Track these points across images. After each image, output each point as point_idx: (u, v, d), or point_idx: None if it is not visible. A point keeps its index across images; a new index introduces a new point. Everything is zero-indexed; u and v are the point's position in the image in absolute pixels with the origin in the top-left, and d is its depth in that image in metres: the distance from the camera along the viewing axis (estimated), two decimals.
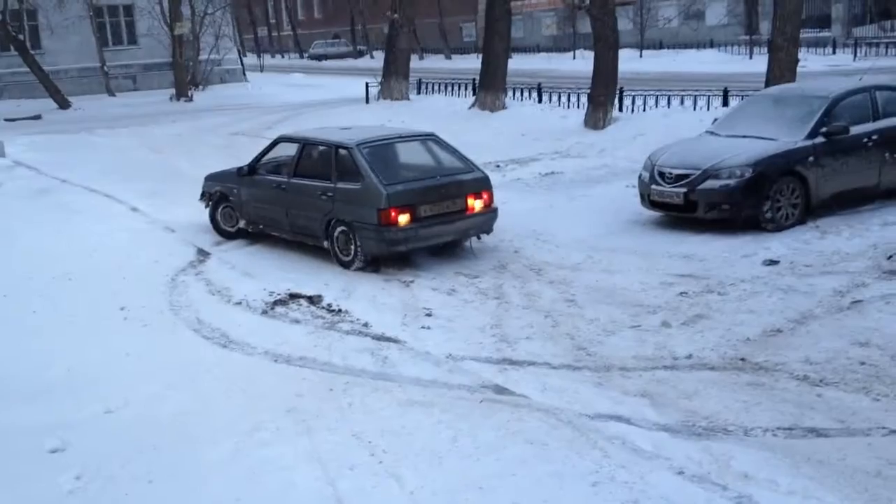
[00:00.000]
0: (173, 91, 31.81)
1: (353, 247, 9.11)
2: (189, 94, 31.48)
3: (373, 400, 5.90)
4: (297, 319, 7.74)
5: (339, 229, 9.20)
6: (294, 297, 8.32)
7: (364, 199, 8.88)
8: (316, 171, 9.61)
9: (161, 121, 24.67)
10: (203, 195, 11.27)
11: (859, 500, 4.48)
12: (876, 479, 4.67)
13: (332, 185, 9.24)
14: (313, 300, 8.22)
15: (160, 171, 16.47)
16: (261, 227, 10.39)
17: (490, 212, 9.53)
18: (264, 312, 7.96)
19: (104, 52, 33.79)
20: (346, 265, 9.23)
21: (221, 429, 5.54)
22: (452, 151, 9.79)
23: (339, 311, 7.92)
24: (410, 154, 9.74)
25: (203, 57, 33.53)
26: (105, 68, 33.52)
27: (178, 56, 31.54)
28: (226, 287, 8.73)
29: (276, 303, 8.17)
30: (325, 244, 9.40)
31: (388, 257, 9.17)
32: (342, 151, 9.29)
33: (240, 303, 8.24)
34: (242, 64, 39.12)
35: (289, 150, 10.24)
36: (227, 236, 10.80)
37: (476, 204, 9.32)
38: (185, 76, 32.05)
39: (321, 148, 9.76)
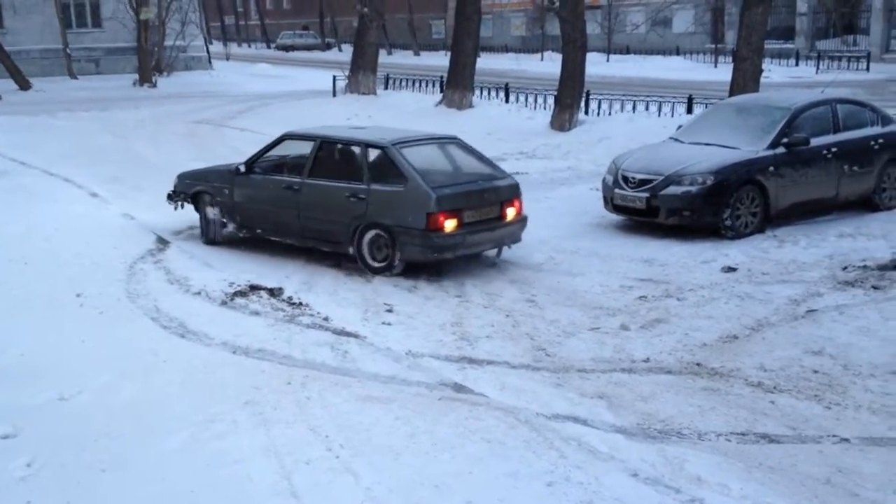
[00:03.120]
0: (137, 76, 31.38)
1: (389, 252, 8.59)
2: (153, 80, 31.09)
3: (331, 394, 5.88)
4: (256, 311, 7.69)
5: (373, 234, 8.63)
6: (254, 288, 8.26)
7: (408, 203, 8.36)
8: (340, 171, 9.00)
9: (124, 106, 24.34)
10: (175, 195, 10.34)
11: None
12: (826, 487, 4.76)
13: (364, 186, 8.64)
14: (274, 292, 8.16)
15: (121, 157, 16.28)
16: (258, 231, 9.63)
17: (522, 220, 9.14)
18: (224, 303, 7.90)
19: (67, 34, 33.19)
20: (375, 271, 8.68)
21: (177, 419, 5.48)
22: (479, 156, 9.32)
23: (300, 304, 7.88)
24: (441, 157, 9.19)
25: (168, 43, 33.11)
26: (68, 50, 32.97)
27: (143, 41, 31.12)
28: (185, 276, 8.64)
29: (235, 294, 8.10)
30: (350, 250, 8.80)
31: (432, 265, 8.74)
32: (375, 151, 8.76)
33: (199, 293, 8.16)
34: (208, 52, 38.71)
35: (295, 148, 9.67)
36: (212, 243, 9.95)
37: (510, 212, 8.94)
38: (150, 62, 31.65)
39: (347, 147, 9.18)
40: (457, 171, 9.08)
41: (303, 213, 9.05)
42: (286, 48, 63.69)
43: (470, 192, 8.66)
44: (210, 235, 9.94)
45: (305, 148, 9.41)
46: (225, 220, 9.79)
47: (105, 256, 9.25)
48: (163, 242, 9.98)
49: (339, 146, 9.29)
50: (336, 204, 8.78)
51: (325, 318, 7.49)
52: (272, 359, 6.56)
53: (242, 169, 9.55)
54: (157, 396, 5.88)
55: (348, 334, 7.11)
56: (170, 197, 10.44)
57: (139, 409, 5.66)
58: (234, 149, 16.96)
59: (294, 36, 66.99)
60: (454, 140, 9.47)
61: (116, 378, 6.14)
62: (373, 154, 8.79)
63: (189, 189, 10.19)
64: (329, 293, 8.24)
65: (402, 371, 6.36)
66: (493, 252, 9.25)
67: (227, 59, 47.07)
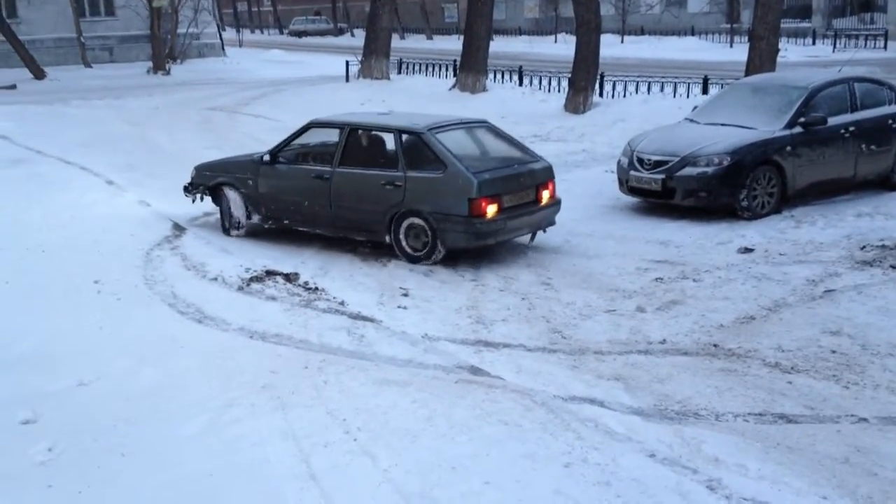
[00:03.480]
0: (150, 64, 31.50)
1: (428, 240, 8.45)
2: (166, 68, 31.19)
3: (348, 378, 5.90)
4: (273, 296, 7.71)
5: (410, 221, 8.49)
6: (270, 274, 8.28)
7: (448, 189, 8.22)
8: (373, 158, 8.87)
9: (138, 93, 24.43)
10: (193, 187, 10.13)
11: (827, 486, 4.55)
12: (844, 466, 4.74)
13: (399, 173, 8.46)
14: (290, 277, 8.18)
15: (136, 145, 16.35)
16: (285, 221, 9.43)
17: (556, 203, 9.07)
18: (240, 289, 7.92)
19: (81, 23, 33.31)
20: (413, 260, 8.56)
21: (195, 404, 5.51)
22: (510, 139, 9.25)
23: (316, 288, 7.90)
24: (474, 141, 9.07)
25: (181, 30, 33.17)
26: (81, 39, 33.07)
27: (156, 28, 31.21)
28: (202, 262, 8.66)
29: (252, 279, 8.13)
30: (387, 239, 8.68)
31: (473, 251, 8.64)
32: (410, 137, 8.59)
33: (216, 279, 8.19)
34: (221, 38, 38.75)
35: (321, 136, 9.47)
36: (228, 233, 9.82)
37: (545, 195, 8.84)
38: (163, 49, 31.73)
39: (378, 133, 9.04)
40: (492, 154, 8.96)
41: (335, 202, 8.88)
42: (299, 34, 63.64)
43: (508, 176, 8.54)
44: (232, 229, 9.78)
45: (333, 136, 9.21)
46: (249, 212, 9.62)
47: (122, 243, 9.29)
48: (179, 229, 10.01)
49: (371, 133, 9.09)
50: (370, 192, 8.63)
51: (341, 303, 7.51)
52: (289, 343, 6.59)
53: (267, 158, 9.32)
54: (175, 382, 5.91)
55: (364, 318, 7.12)
56: (186, 189, 10.25)
57: (157, 395, 5.70)
58: (249, 135, 17.02)
59: (306, 21, 66.91)
60: (484, 123, 9.36)
61: (135, 364, 6.18)
62: (407, 140, 8.62)
63: (209, 181, 9.93)
64: (345, 278, 8.26)
65: (418, 354, 6.37)
66: (524, 238, 9.17)
67: (240, 45, 47.15)
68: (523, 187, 8.62)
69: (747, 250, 8.82)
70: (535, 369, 6.11)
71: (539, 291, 7.83)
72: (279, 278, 8.17)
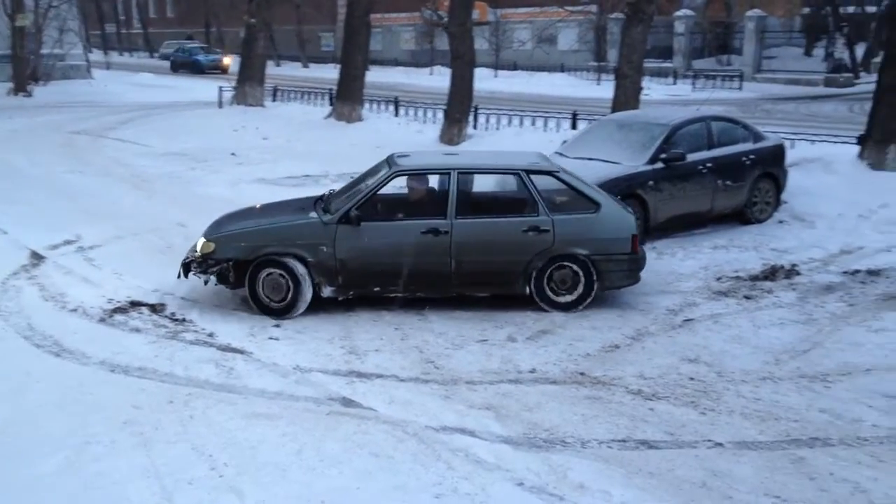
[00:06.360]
0: (11, 85, 30.10)
1: (579, 285, 8.04)
2: (28, 89, 29.89)
3: (215, 412, 5.76)
4: (137, 328, 7.46)
5: (558, 267, 8.03)
6: (135, 304, 8.02)
7: (607, 227, 7.99)
8: (501, 205, 8.40)
9: None
10: (210, 264, 7.92)
11: None
12: (701, 490, 4.94)
13: (543, 217, 7.94)
14: (156, 308, 7.94)
15: None
16: (375, 289, 8.05)
17: None
18: (102, 320, 7.63)
19: None
20: (562, 308, 8.03)
21: (52, 442, 5.28)
22: (580, 179, 8.77)
23: (183, 320, 7.69)
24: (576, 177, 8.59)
25: (45, 51, 31.90)
26: None
27: (18, 48, 29.87)
28: (61, 293, 8.32)
29: (115, 310, 7.85)
30: (526, 290, 8.02)
31: (627, 288, 8.38)
32: (544, 178, 8.16)
33: (76, 310, 7.87)
34: (87, 60, 37.45)
35: (402, 185, 8.60)
36: (271, 313, 7.87)
37: None
38: (25, 70, 30.40)
39: (501, 177, 8.55)
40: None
41: (456, 258, 7.96)
42: (170, 58, 62.11)
43: (631, 210, 8.45)
44: (294, 309, 7.90)
45: (425, 184, 8.57)
46: (317, 283, 7.92)
47: None
48: (38, 258, 9.58)
49: (489, 177, 8.58)
50: (507, 242, 7.98)
51: (210, 335, 7.34)
52: (153, 377, 6.39)
53: (354, 218, 7.85)
54: (29, 418, 5.64)
55: (234, 350, 6.98)
56: (190, 267, 8.02)
57: (10, 432, 5.43)
58: (115, 160, 16.48)
59: (178, 45, 65.43)
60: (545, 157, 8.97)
61: None
62: (542, 181, 8.15)
63: (249, 254, 7.85)
64: (214, 309, 8.07)
65: (289, 386, 6.29)
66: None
67: (108, 68, 45.72)
68: None
69: None
70: (407, 400, 6.12)
71: (412, 321, 7.86)
72: (144, 309, 7.92)
